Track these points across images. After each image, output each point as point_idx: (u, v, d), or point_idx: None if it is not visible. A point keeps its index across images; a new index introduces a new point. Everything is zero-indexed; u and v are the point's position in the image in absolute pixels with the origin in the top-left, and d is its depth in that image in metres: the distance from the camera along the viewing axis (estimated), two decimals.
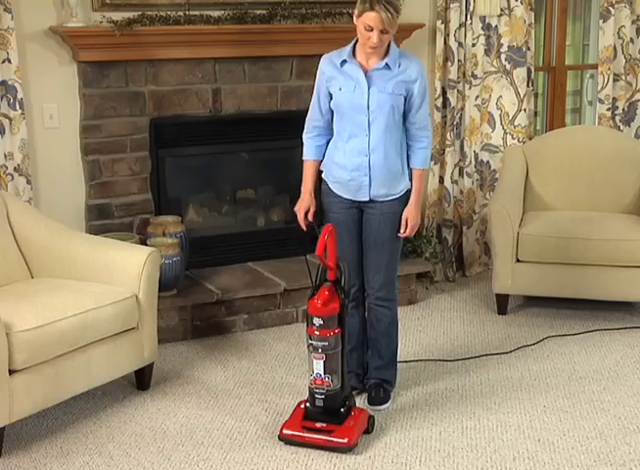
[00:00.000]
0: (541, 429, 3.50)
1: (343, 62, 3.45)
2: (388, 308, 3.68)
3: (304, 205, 3.61)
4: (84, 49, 4.22)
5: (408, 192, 3.56)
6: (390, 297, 3.67)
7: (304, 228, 3.61)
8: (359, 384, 3.75)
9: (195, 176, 4.83)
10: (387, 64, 3.41)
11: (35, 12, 4.17)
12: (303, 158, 3.65)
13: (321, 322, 3.26)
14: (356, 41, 3.45)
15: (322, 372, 3.30)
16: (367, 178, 3.48)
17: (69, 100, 4.34)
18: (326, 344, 3.28)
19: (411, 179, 3.56)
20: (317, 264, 3.38)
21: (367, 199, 3.51)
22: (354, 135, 3.46)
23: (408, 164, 3.55)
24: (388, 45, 3.41)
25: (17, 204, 3.97)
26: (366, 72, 3.42)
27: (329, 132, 3.58)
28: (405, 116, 3.48)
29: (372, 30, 3.29)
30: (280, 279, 4.62)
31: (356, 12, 3.34)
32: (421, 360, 4.15)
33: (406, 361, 4.09)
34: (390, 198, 3.53)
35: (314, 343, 3.29)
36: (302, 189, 3.63)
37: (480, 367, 4.09)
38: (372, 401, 3.67)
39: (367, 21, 3.28)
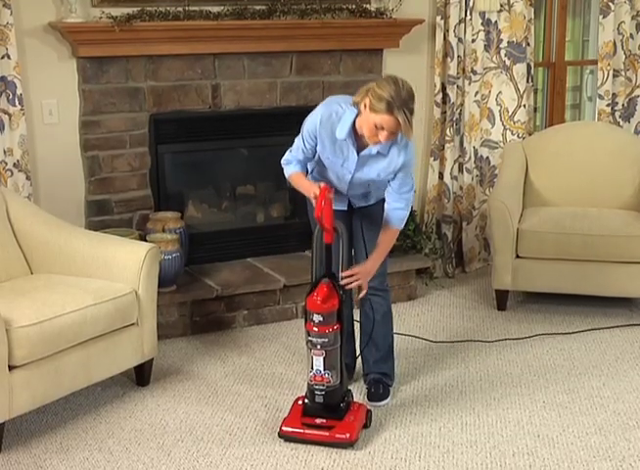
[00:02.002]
0: (541, 425, 3.51)
1: (343, 139, 3.29)
2: (382, 298, 3.69)
3: (314, 188, 3.28)
4: (83, 45, 4.22)
5: None
6: (383, 287, 3.68)
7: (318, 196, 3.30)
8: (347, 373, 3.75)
9: (194, 172, 4.83)
10: (378, 152, 3.30)
11: (34, 7, 4.16)
12: (289, 173, 3.48)
13: (320, 319, 3.26)
14: (358, 112, 3.24)
15: (322, 368, 3.30)
16: (346, 202, 3.55)
17: (69, 96, 4.33)
18: (325, 340, 3.28)
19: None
20: (312, 261, 3.38)
21: (345, 208, 3.54)
22: (334, 185, 3.47)
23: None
24: None
25: (16, 200, 3.97)
26: (358, 152, 3.33)
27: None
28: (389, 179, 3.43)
29: (382, 129, 3.15)
30: (279, 275, 4.62)
31: (368, 104, 3.13)
32: (420, 338, 4.16)
33: (406, 335, 4.11)
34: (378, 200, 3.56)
35: (313, 339, 3.29)
36: (305, 188, 3.39)
37: (480, 363, 4.09)
38: (372, 397, 3.67)
39: (382, 122, 3.11)
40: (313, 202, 3.30)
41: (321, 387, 3.32)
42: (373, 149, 3.30)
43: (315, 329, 3.28)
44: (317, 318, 3.26)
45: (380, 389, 3.70)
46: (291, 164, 3.50)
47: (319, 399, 3.34)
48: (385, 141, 3.20)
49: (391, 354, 3.80)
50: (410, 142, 3.34)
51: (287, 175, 3.52)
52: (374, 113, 3.13)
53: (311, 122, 3.35)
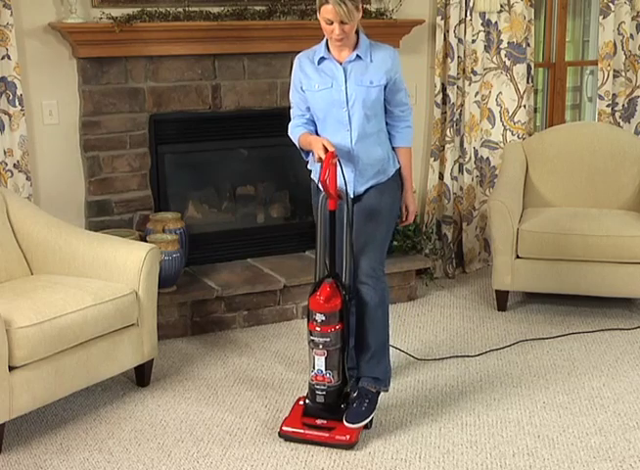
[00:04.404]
0: (541, 425, 3.51)
1: (321, 59, 3.42)
2: (372, 287, 3.40)
3: (320, 149, 3.27)
4: (84, 45, 4.22)
5: (396, 172, 3.54)
6: (374, 273, 3.40)
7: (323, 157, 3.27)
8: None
9: (194, 173, 4.83)
10: (357, 55, 3.39)
11: (35, 8, 4.17)
12: (296, 139, 3.49)
13: (323, 318, 3.26)
14: (327, 39, 3.43)
15: (323, 368, 3.30)
16: (353, 174, 3.45)
17: (69, 96, 4.34)
18: (327, 340, 3.28)
19: (397, 162, 3.55)
20: (315, 261, 3.38)
21: (352, 196, 3.42)
22: (336, 132, 3.42)
23: (393, 149, 3.54)
24: (358, 37, 3.40)
25: (16, 200, 3.97)
26: (341, 65, 3.41)
27: (314, 125, 3.53)
28: (387, 99, 3.47)
29: (332, 24, 3.30)
30: (279, 276, 4.62)
31: (317, 11, 3.34)
32: (418, 359, 4.16)
33: (403, 351, 4.10)
34: (380, 183, 3.49)
35: (315, 339, 3.29)
36: (313, 144, 3.34)
37: (480, 363, 4.09)
38: (347, 415, 3.33)
39: (325, 14, 3.28)
40: (316, 162, 3.34)
41: (322, 387, 3.32)
42: (351, 55, 3.40)
43: (317, 329, 3.28)
44: (320, 318, 3.27)
45: (362, 405, 3.36)
46: (295, 130, 3.53)
47: (320, 399, 3.34)
48: (339, 33, 3.30)
49: (385, 355, 3.50)
50: (388, 46, 3.51)
51: (295, 142, 3.52)
52: (319, 11, 3.32)
53: (294, 70, 3.52)
